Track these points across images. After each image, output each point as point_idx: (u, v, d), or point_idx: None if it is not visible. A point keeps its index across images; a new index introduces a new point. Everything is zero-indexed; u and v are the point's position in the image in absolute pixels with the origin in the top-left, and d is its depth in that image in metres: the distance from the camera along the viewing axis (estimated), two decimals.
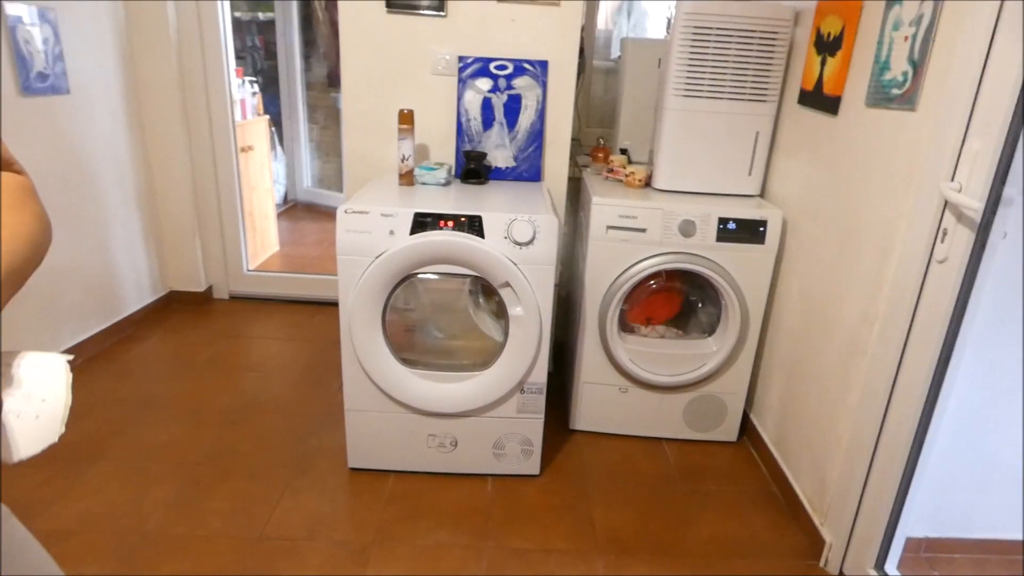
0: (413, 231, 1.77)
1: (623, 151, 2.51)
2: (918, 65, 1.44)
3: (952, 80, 1.33)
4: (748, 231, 2.00)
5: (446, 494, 1.93)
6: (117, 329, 2.78)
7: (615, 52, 2.89)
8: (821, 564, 1.72)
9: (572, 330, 2.33)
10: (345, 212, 1.76)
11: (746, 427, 2.28)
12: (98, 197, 2.63)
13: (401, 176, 2.09)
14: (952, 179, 1.34)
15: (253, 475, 1.97)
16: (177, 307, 3.14)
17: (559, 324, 2.72)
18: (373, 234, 1.77)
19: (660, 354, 2.15)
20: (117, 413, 2.24)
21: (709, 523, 1.88)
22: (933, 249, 1.39)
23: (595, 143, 2.62)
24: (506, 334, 1.86)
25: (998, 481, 1.70)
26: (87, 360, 2.58)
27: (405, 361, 1.90)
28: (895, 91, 1.52)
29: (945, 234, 1.36)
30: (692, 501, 1.97)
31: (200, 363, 2.63)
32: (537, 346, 1.85)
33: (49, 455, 1.99)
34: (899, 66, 1.51)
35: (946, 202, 1.35)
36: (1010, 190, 1.28)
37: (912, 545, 1.72)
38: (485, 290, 1.99)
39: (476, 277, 1.83)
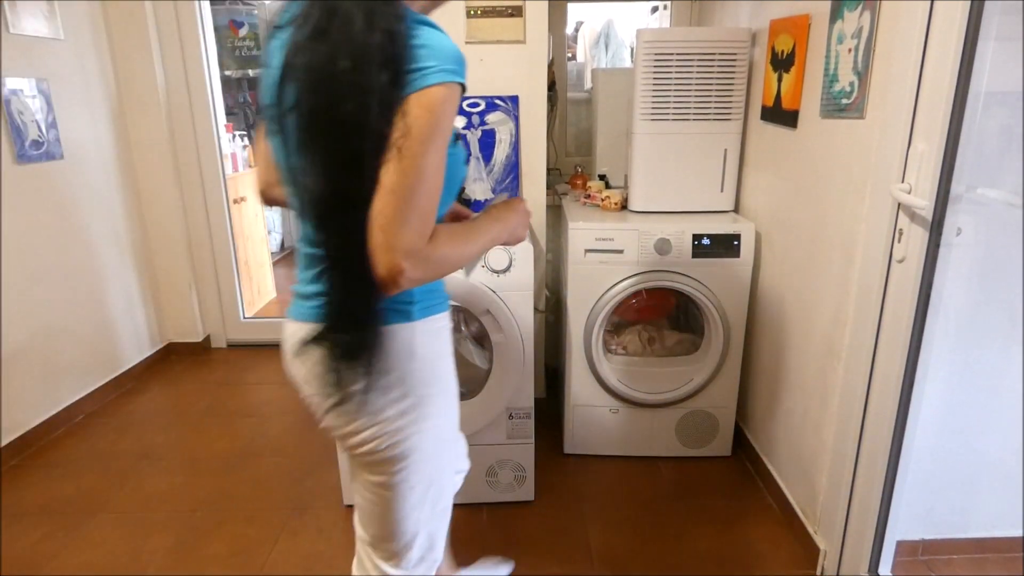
0: None
1: (601, 177, 2.58)
2: (862, 75, 1.50)
3: (893, 86, 1.38)
4: (723, 245, 2.04)
5: None
6: (117, 384, 2.82)
7: (588, 83, 2.98)
8: (817, 572, 1.71)
9: (562, 355, 2.36)
10: None
11: (739, 440, 2.28)
12: (94, 255, 2.71)
13: None
14: (902, 180, 1.38)
15: (250, 519, 1.99)
16: (176, 358, 3.19)
17: (550, 350, 2.75)
18: None
19: (647, 372, 2.17)
20: (116, 466, 2.27)
21: (705, 538, 1.87)
22: (892, 250, 1.42)
23: (574, 171, 2.69)
24: (490, 361, 1.89)
25: (988, 478, 1.69)
26: (87, 416, 2.62)
27: None
28: (844, 101, 1.58)
29: (901, 234, 1.40)
30: (688, 518, 1.96)
31: (198, 412, 2.66)
32: (521, 371, 1.87)
33: (49, 510, 2.02)
34: (846, 77, 1.57)
35: (899, 203, 1.39)
36: (957, 187, 1.32)
37: (909, 548, 1.71)
38: (467, 319, 2.03)
39: (458, 307, 1.87)
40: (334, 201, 0.84)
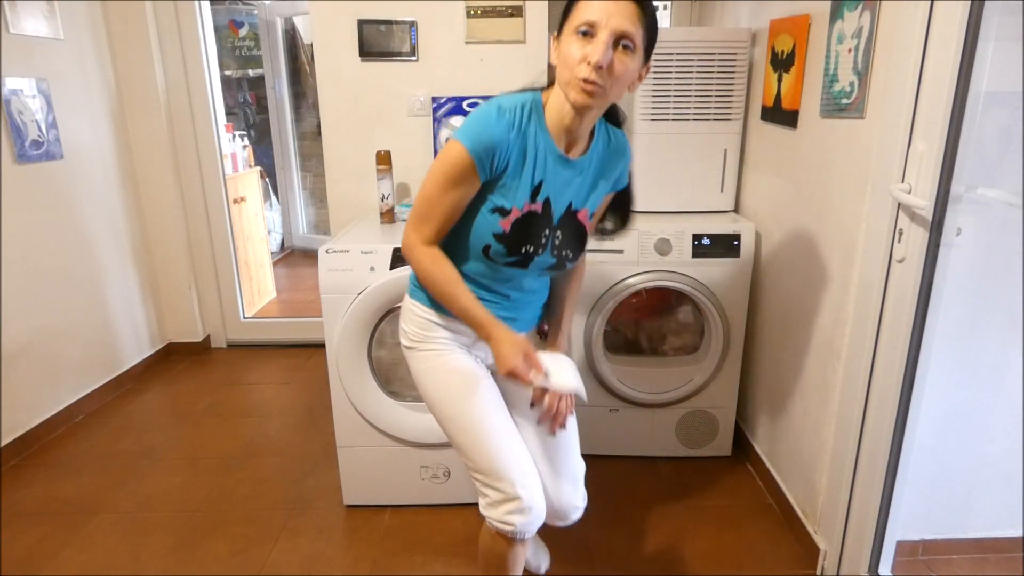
0: (393, 266, 1.82)
1: None
2: (862, 75, 1.50)
3: (893, 87, 1.38)
4: (723, 245, 2.04)
5: (442, 525, 1.94)
6: (117, 384, 2.82)
7: None
8: (817, 572, 1.71)
9: None
10: (327, 252, 1.81)
11: (739, 440, 2.28)
12: (94, 255, 2.71)
13: (382, 215, 2.15)
14: (902, 181, 1.38)
15: (250, 519, 1.99)
16: (176, 358, 3.19)
17: None
18: (354, 271, 1.82)
19: (647, 372, 2.17)
20: (116, 466, 2.27)
21: (705, 539, 1.87)
22: (892, 249, 1.42)
23: None
24: None
25: (988, 478, 1.69)
26: (87, 416, 2.62)
27: (393, 394, 1.93)
28: (844, 101, 1.58)
29: (901, 234, 1.40)
30: (687, 518, 1.96)
31: (198, 412, 2.66)
32: None
33: (49, 510, 2.02)
34: (846, 77, 1.57)
35: (899, 204, 1.39)
36: (957, 187, 1.32)
37: (908, 548, 1.71)
38: None
39: None
40: None
